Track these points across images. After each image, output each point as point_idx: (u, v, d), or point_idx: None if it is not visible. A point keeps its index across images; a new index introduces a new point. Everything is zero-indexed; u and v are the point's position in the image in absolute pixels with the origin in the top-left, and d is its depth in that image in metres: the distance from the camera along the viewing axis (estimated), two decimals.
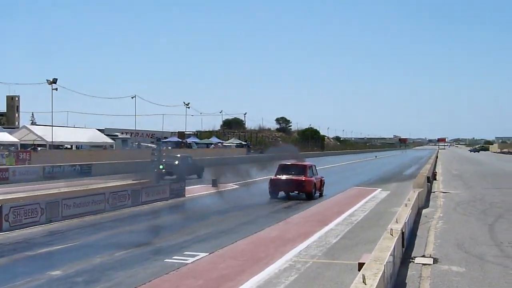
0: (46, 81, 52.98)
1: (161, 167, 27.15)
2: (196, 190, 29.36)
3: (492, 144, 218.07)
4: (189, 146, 76.70)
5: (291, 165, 27.77)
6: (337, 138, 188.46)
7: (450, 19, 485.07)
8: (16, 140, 53.27)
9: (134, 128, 76.57)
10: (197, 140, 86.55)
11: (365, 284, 7.03)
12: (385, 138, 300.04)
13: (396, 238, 10.60)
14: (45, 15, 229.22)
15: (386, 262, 8.55)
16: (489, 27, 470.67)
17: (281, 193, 27.07)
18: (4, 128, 62.16)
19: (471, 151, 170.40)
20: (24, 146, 53.11)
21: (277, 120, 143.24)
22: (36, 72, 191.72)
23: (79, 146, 60.22)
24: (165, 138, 74.06)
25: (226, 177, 30.96)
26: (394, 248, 9.92)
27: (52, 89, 52.56)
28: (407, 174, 48.45)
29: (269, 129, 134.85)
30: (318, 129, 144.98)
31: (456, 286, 10.46)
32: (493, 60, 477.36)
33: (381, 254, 9.00)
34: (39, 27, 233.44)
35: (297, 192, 26.79)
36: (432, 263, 12.15)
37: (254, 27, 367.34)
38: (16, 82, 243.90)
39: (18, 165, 40.37)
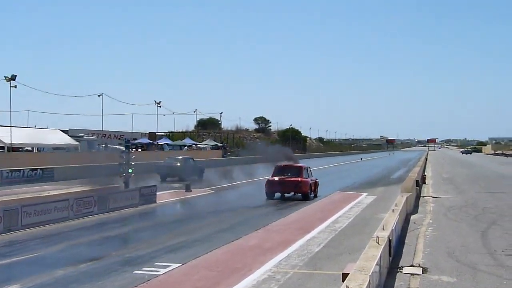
0: (4, 78, 52.41)
1: (130, 170, 27.01)
2: (168, 196, 29.30)
3: (485, 145, 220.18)
4: (160, 148, 76.39)
5: (288, 167, 30.34)
6: (320, 139, 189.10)
7: (437, 15, 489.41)
8: None
9: (101, 129, 75.95)
10: (169, 141, 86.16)
11: None
12: (371, 139, 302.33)
13: (382, 247, 10.67)
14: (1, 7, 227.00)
15: (372, 272, 8.59)
16: (480, 23, 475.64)
17: (277, 194, 29.32)
18: None
19: (463, 153, 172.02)
20: None
21: (256, 120, 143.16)
22: None
23: (40, 149, 59.58)
24: (135, 139, 73.66)
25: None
26: (380, 257, 9.98)
27: (10, 86, 51.96)
28: (395, 177, 48.81)
29: (247, 130, 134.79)
30: (299, 130, 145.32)
31: None
32: (486, 57, 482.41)
33: (366, 264, 9.05)
34: None
35: (293, 193, 29.23)
36: (421, 273, 12.22)
37: (229, 21, 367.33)
38: None
39: None
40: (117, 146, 60.58)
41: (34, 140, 58.38)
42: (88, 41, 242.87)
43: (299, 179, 28.81)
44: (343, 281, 8.45)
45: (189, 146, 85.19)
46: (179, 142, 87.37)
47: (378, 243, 10.87)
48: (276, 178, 29.04)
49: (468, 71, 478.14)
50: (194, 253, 14.63)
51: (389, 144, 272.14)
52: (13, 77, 52.12)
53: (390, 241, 12.20)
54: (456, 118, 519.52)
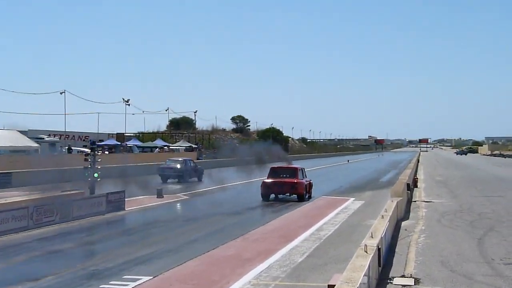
0: None
1: (96, 175, 26.84)
2: (138, 202, 29.15)
3: (482, 145, 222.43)
4: (129, 150, 76.04)
5: (283, 168, 33.16)
6: (303, 140, 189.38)
7: (431, 13, 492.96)
8: None
9: (63, 130, 75.53)
10: (139, 143, 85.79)
11: None
12: (358, 139, 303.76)
13: (371, 256, 10.69)
14: None
15: (360, 283, 8.61)
16: (475, 21, 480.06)
17: (272, 196, 31.31)
18: None
19: (457, 154, 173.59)
20: None
21: (233, 119, 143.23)
22: None
23: None
24: (101, 140, 73.16)
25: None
26: (369, 267, 10.00)
27: None
28: (384, 180, 49.06)
29: (223, 130, 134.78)
30: (281, 129, 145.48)
31: None
32: (480, 54, 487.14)
33: (354, 275, 9.06)
34: None
35: (289, 194, 31.45)
36: (413, 284, 12.26)
37: (203, 16, 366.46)
38: None
39: None
40: (82, 148, 60.30)
41: None
42: (54, 35, 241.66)
43: (295, 181, 31.02)
44: None
45: (161, 147, 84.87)
46: (149, 144, 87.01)
47: (366, 252, 10.89)
48: (272, 180, 31.09)
49: (460, 67, 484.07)
50: (166, 264, 14.57)
51: (378, 145, 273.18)
52: None
53: (379, 249, 12.23)
54: (450, 116, 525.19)
